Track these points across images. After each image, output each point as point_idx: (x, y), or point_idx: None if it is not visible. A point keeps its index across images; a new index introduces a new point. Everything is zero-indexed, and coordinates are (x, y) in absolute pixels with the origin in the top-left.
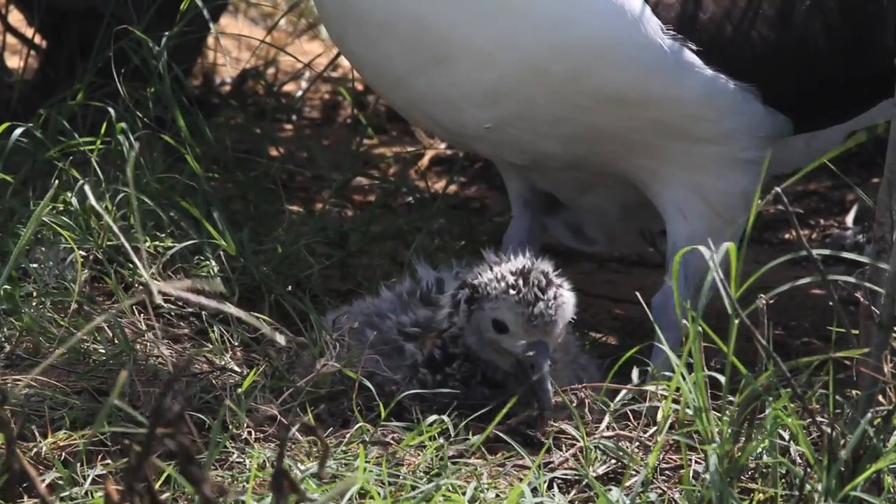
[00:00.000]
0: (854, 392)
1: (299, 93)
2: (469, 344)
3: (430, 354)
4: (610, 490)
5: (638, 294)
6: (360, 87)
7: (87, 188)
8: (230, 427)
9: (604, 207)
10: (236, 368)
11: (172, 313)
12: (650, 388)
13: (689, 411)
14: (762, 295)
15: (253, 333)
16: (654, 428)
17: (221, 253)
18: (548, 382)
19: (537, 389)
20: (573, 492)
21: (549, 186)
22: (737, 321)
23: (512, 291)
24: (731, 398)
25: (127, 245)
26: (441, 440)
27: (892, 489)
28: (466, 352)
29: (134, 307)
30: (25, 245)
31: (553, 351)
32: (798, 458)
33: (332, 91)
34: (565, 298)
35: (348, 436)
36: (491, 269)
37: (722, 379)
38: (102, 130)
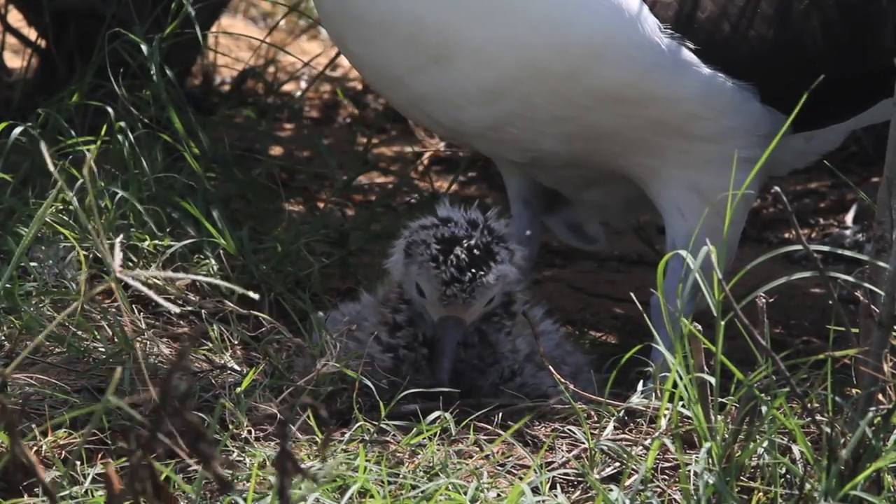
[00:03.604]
0: (854, 391)
1: (299, 92)
2: (411, 299)
3: (386, 326)
4: (611, 490)
5: (632, 295)
6: (359, 86)
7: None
8: (230, 426)
9: (606, 202)
10: (236, 367)
11: (172, 312)
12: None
13: (687, 412)
14: (762, 294)
15: (253, 332)
16: (655, 426)
17: (221, 251)
18: (447, 361)
19: (436, 366)
20: (574, 492)
21: (551, 182)
22: (723, 322)
23: (432, 264)
24: (721, 399)
25: (98, 240)
26: (440, 440)
27: (891, 488)
28: (411, 316)
29: (134, 306)
30: (27, 244)
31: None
32: (798, 456)
33: (332, 91)
34: (492, 276)
35: (348, 435)
36: (426, 228)
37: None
38: (103, 131)
